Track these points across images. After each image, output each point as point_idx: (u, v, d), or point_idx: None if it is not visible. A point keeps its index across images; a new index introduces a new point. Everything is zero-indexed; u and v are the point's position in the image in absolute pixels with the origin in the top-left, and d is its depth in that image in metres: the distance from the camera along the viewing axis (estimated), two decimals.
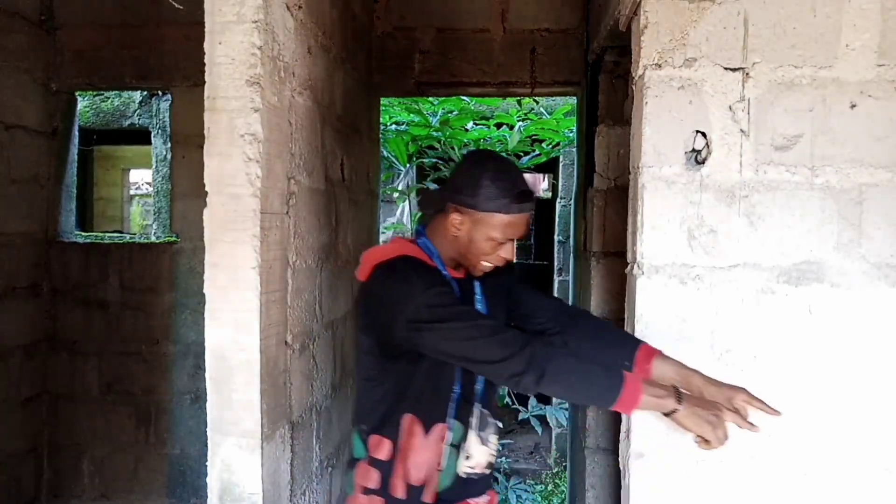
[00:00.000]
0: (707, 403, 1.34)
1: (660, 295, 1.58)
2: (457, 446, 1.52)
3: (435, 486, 1.50)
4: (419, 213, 4.84)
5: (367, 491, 1.49)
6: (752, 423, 1.37)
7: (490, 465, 1.57)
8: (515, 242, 1.51)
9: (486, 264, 1.49)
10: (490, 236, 1.44)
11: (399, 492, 1.48)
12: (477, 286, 1.57)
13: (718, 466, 1.58)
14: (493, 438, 1.55)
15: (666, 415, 1.30)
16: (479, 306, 1.55)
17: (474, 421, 1.53)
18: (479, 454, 1.53)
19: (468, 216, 1.44)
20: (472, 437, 1.52)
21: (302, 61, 1.84)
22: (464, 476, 1.53)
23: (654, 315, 1.59)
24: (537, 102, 4.80)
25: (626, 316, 1.71)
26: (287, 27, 1.69)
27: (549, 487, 4.74)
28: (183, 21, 3.26)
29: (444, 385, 1.50)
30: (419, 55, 3.02)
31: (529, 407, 4.56)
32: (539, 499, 4.49)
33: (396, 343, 1.41)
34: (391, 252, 1.49)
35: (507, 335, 1.33)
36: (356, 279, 1.54)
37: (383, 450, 1.50)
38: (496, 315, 1.58)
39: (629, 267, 1.68)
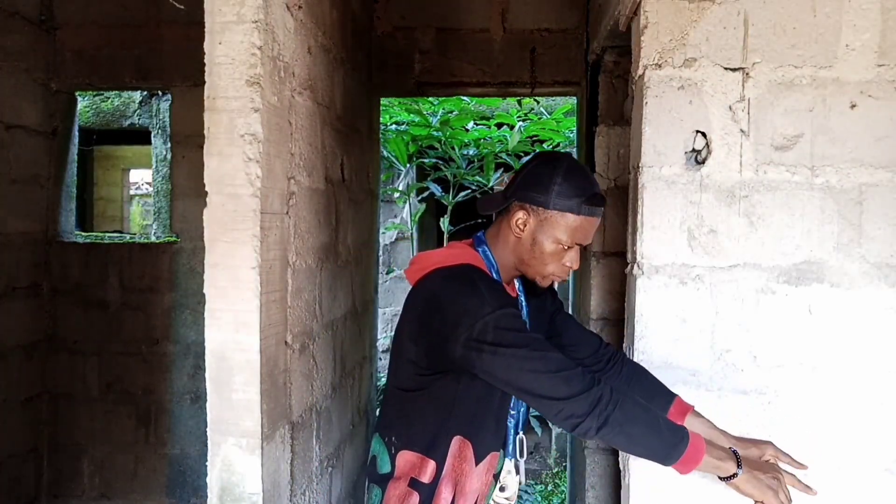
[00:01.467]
0: (765, 466, 1.30)
1: (660, 295, 1.58)
2: (497, 475, 1.47)
3: None
4: (419, 213, 4.84)
5: None
6: (807, 486, 1.35)
7: (517, 495, 1.52)
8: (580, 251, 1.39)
9: (554, 276, 1.38)
10: (557, 238, 1.34)
11: None
12: (524, 306, 1.48)
13: None
14: (522, 466, 1.51)
15: (723, 479, 1.25)
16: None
17: (511, 448, 1.47)
18: (513, 483, 1.48)
19: (535, 215, 1.35)
20: (510, 466, 1.47)
21: (302, 61, 1.84)
22: None
23: (654, 315, 1.59)
24: (538, 102, 4.80)
25: (626, 316, 1.71)
26: (287, 27, 1.69)
27: (549, 487, 4.74)
28: (183, 21, 3.26)
29: (502, 413, 1.43)
30: (419, 55, 3.02)
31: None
32: (539, 499, 4.49)
33: (450, 359, 1.29)
34: (453, 258, 1.38)
35: (576, 372, 1.23)
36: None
37: (426, 472, 1.39)
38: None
39: (629, 267, 1.69)
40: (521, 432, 1.49)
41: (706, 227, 1.57)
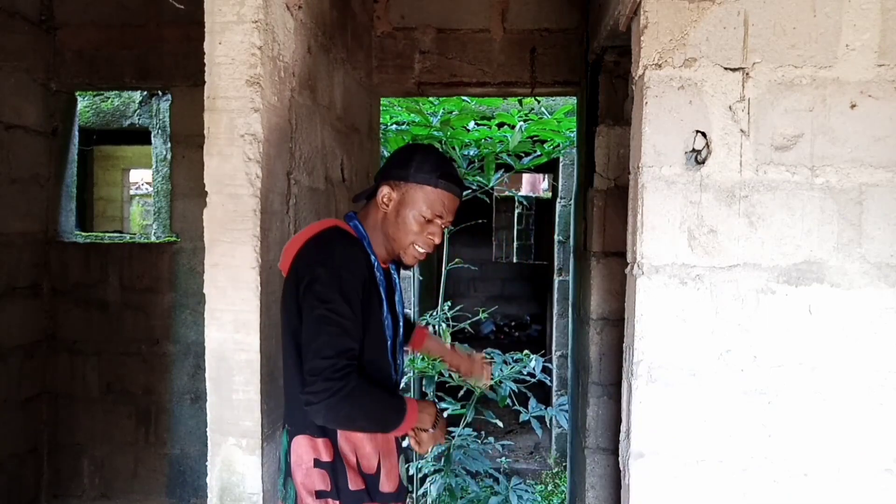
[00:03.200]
0: (440, 422, 1.53)
1: (660, 295, 1.58)
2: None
3: (396, 472, 1.55)
4: None
5: (320, 494, 1.45)
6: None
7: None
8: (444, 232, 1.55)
9: (418, 248, 1.51)
10: (418, 209, 1.46)
11: (356, 484, 1.47)
12: (397, 281, 1.62)
13: (718, 466, 1.58)
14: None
15: (416, 430, 1.50)
16: (397, 299, 1.61)
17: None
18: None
19: (398, 189, 1.48)
20: None
21: (302, 61, 1.84)
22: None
23: (654, 315, 1.59)
24: (539, 102, 4.80)
25: (626, 316, 1.71)
26: (287, 27, 1.69)
27: (549, 487, 4.74)
28: (183, 21, 3.26)
29: (380, 373, 1.52)
30: (419, 55, 3.02)
31: (529, 408, 4.55)
32: (539, 499, 4.49)
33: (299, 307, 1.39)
34: (318, 226, 1.48)
35: (335, 365, 1.31)
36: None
37: (323, 451, 1.46)
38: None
39: (629, 267, 1.68)
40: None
41: (706, 227, 1.57)
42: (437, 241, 1.50)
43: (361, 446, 1.49)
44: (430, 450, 1.50)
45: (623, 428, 1.70)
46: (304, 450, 1.46)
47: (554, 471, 5.03)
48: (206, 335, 1.53)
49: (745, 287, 1.57)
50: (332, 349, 1.33)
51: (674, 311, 1.58)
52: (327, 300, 1.34)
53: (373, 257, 1.50)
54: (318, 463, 1.45)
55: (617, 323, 2.71)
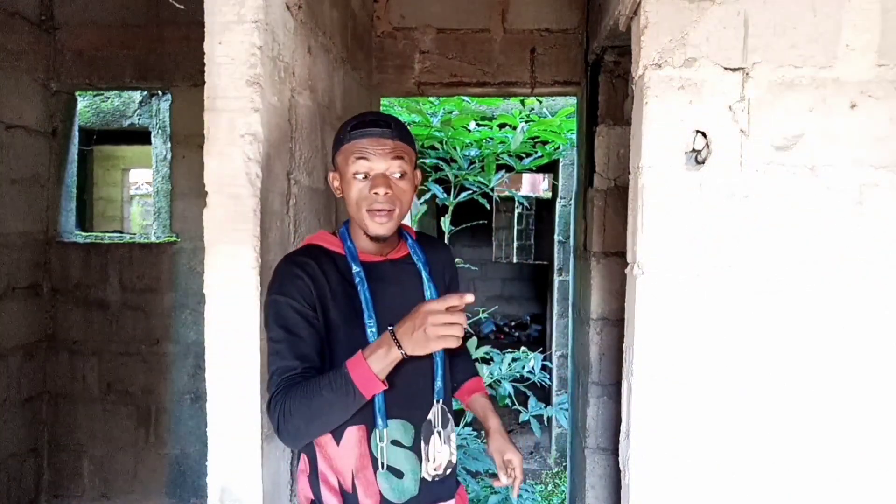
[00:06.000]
0: (412, 317, 1.22)
1: (660, 295, 1.58)
2: (412, 448, 1.42)
3: (375, 489, 1.40)
4: (420, 214, 4.84)
5: (313, 503, 1.45)
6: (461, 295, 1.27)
7: (451, 465, 1.49)
8: (391, 183, 1.37)
9: (369, 211, 1.36)
10: (349, 174, 1.36)
11: (332, 500, 1.42)
12: (423, 270, 1.48)
13: (719, 466, 1.59)
14: (453, 436, 1.49)
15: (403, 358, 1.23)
16: (428, 293, 1.46)
17: (434, 419, 1.44)
18: (441, 455, 1.45)
19: (337, 172, 1.42)
20: (434, 438, 1.44)
21: (302, 61, 1.84)
22: (430, 479, 1.44)
23: (654, 315, 1.59)
24: (540, 102, 4.80)
25: (626, 316, 1.71)
26: (287, 27, 1.69)
27: (549, 487, 4.74)
28: (183, 21, 3.26)
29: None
30: (419, 55, 3.02)
31: (529, 407, 4.56)
32: (539, 499, 4.49)
33: None
34: (302, 245, 1.48)
35: (274, 381, 1.29)
36: None
37: (305, 466, 1.46)
38: (439, 296, 1.43)
39: (629, 267, 1.68)
40: (439, 401, 1.46)
41: (706, 227, 1.57)
42: (382, 192, 1.35)
43: (334, 460, 1.41)
44: (446, 336, 1.19)
45: (623, 428, 1.70)
46: (302, 459, 1.48)
47: (554, 471, 5.03)
48: (206, 335, 1.53)
49: (745, 287, 1.57)
50: (270, 376, 1.32)
51: (674, 311, 1.58)
52: (268, 329, 1.35)
53: (351, 261, 1.42)
54: (306, 475, 1.47)
55: (617, 323, 2.71)
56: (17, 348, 3.26)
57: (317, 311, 1.35)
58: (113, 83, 3.47)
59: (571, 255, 3.54)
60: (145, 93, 4.03)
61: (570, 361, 3.56)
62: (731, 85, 1.55)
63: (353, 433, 1.39)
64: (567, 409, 3.80)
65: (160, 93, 3.69)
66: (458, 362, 1.68)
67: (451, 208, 4.50)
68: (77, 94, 3.61)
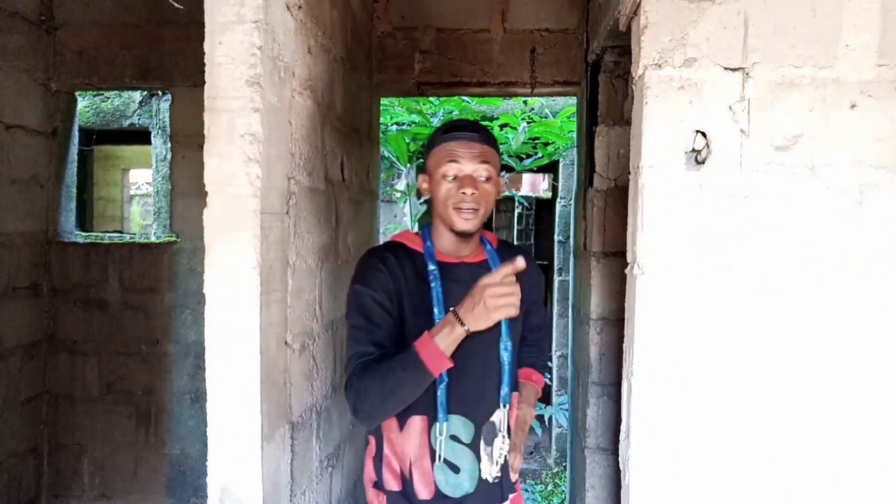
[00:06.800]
0: (475, 294, 1.31)
1: (660, 295, 1.58)
2: (470, 445, 1.50)
3: (431, 479, 1.49)
4: (419, 214, 4.84)
5: (374, 485, 1.57)
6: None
7: (507, 470, 1.57)
8: (480, 185, 1.46)
9: (455, 209, 1.45)
10: (441, 175, 1.46)
11: (392, 484, 1.52)
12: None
13: (719, 466, 1.58)
14: (506, 445, 1.56)
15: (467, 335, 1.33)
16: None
17: (499, 423, 1.53)
18: (503, 458, 1.54)
19: (428, 173, 1.52)
20: (497, 440, 1.53)
21: (302, 61, 1.84)
22: (491, 481, 1.53)
23: (654, 315, 1.59)
24: (542, 104, 4.80)
25: (626, 316, 1.71)
26: (287, 27, 1.69)
27: (549, 487, 4.74)
28: (183, 21, 3.26)
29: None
30: (419, 55, 3.02)
31: None
32: (539, 499, 4.49)
33: None
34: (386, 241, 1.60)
35: (350, 369, 1.42)
36: None
37: (372, 447, 1.58)
38: None
39: (629, 267, 1.68)
40: (506, 405, 1.54)
41: (706, 227, 1.57)
42: (469, 191, 1.44)
43: (396, 446, 1.51)
44: (504, 306, 1.28)
45: (623, 428, 1.70)
46: (370, 442, 1.59)
47: (554, 471, 5.03)
48: (206, 335, 1.53)
49: (745, 287, 1.57)
50: (348, 359, 1.45)
51: (674, 311, 1.58)
52: (348, 316, 1.48)
53: (428, 259, 1.50)
54: (371, 457, 1.57)
55: (617, 323, 2.71)
56: (17, 348, 3.26)
57: (393, 302, 1.45)
58: (113, 83, 3.46)
59: (571, 255, 3.54)
60: (145, 93, 4.03)
61: (570, 361, 3.56)
62: (731, 85, 1.55)
63: (415, 422, 1.49)
64: (567, 409, 3.80)
65: (160, 93, 3.69)
66: (525, 351, 1.74)
67: None
68: (77, 94, 3.60)
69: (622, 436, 1.71)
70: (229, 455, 1.55)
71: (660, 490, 1.60)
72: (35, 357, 3.39)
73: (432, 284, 1.48)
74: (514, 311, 1.30)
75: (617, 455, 1.81)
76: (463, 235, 1.50)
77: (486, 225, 1.58)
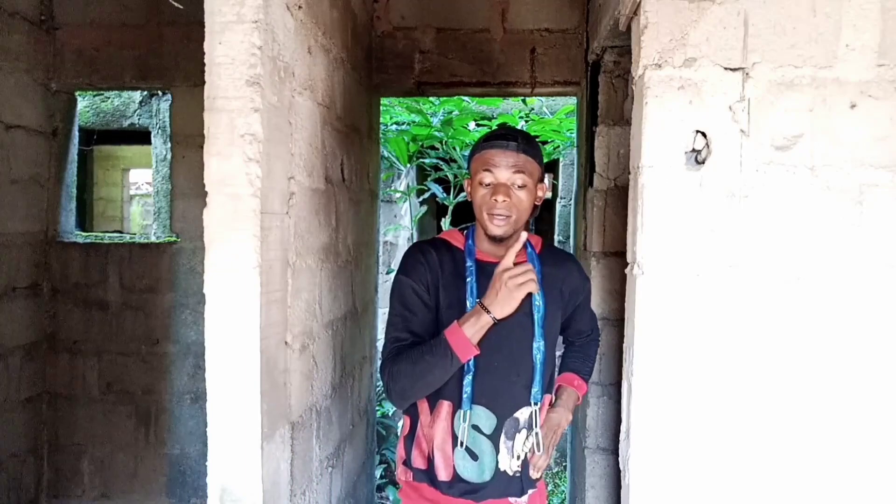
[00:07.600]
0: (492, 284, 1.46)
1: (660, 295, 1.59)
2: (491, 437, 1.57)
3: (451, 463, 1.57)
4: (419, 214, 4.84)
5: (403, 462, 1.67)
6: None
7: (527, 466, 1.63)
8: (516, 193, 1.54)
9: (488, 215, 1.53)
10: (478, 181, 1.55)
11: (419, 462, 1.63)
12: (538, 274, 1.59)
13: (719, 466, 1.59)
14: (529, 442, 1.61)
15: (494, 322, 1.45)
16: (535, 301, 1.58)
17: (523, 420, 1.59)
18: (518, 448, 1.59)
19: (470, 179, 1.60)
20: (520, 436, 1.59)
21: (302, 61, 1.84)
22: (511, 474, 1.59)
23: (654, 315, 1.59)
24: (541, 101, 4.79)
25: (626, 316, 1.71)
26: (287, 27, 1.69)
27: (549, 487, 4.74)
28: (183, 21, 3.26)
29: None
30: (419, 55, 3.02)
31: None
32: None
33: None
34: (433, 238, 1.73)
35: (393, 349, 1.54)
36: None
37: (406, 427, 1.68)
38: (549, 306, 1.61)
39: (629, 267, 1.69)
40: (537, 403, 1.60)
41: (706, 227, 1.57)
42: (500, 198, 1.51)
43: (425, 428, 1.61)
44: (524, 284, 1.41)
45: (623, 428, 1.70)
46: (404, 422, 1.70)
47: (554, 471, 5.03)
48: (206, 335, 1.53)
49: (745, 287, 1.57)
50: (385, 343, 1.57)
51: (674, 311, 1.58)
52: (390, 305, 1.61)
53: (467, 256, 1.60)
54: (404, 436, 1.68)
55: (617, 323, 2.71)
56: (18, 348, 3.26)
57: (430, 293, 1.57)
58: (113, 83, 3.46)
59: None
60: (145, 93, 4.03)
61: None
62: (731, 85, 1.55)
63: (444, 406, 1.58)
64: None
65: (160, 93, 3.69)
66: (572, 355, 1.87)
67: (450, 208, 4.49)
68: (77, 94, 3.60)
69: (622, 436, 1.71)
70: (229, 455, 1.55)
71: (660, 490, 1.60)
72: (35, 357, 3.39)
73: (468, 279, 1.57)
74: (534, 287, 1.43)
75: (617, 455, 1.81)
76: (495, 240, 1.57)
77: (536, 228, 1.62)
